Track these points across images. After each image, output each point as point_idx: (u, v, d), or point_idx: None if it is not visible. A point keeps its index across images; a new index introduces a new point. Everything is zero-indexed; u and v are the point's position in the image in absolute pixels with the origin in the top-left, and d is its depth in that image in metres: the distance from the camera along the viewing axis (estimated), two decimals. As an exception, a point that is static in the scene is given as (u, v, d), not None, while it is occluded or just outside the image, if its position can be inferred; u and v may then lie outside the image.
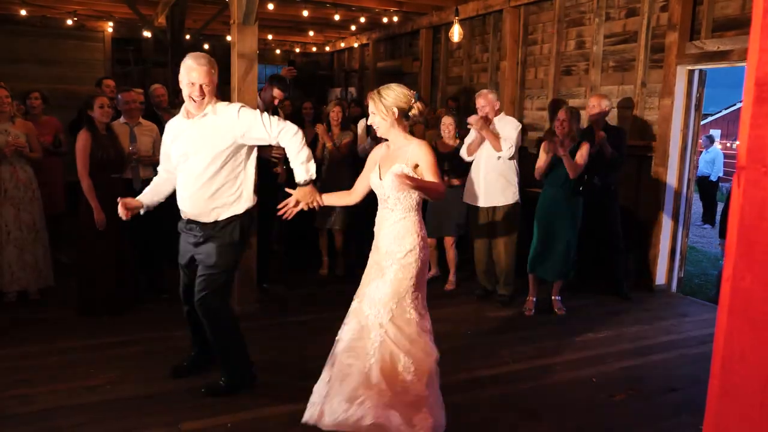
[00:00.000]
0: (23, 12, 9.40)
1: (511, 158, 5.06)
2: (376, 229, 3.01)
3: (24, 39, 10.20)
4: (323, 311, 4.83)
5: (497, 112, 5.17)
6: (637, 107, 5.93)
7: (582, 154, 4.78)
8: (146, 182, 4.93)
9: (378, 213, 2.99)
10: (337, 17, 9.20)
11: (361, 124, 5.96)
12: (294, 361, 3.91)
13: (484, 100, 5.10)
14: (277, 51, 12.92)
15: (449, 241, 5.62)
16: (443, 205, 5.38)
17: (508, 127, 5.09)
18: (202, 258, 3.33)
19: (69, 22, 10.19)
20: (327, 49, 13.28)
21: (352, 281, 5.69)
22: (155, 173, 5.21)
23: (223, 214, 3.28)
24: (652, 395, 3.63)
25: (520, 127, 5.19)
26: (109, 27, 10.83)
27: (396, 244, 2.90)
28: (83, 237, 4.60)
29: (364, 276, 3.03)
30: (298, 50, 13.31)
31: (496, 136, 4.99)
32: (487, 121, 4.98)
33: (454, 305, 5.24)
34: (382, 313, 2.87)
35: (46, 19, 10.16)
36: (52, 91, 6.06)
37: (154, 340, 4.23)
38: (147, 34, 10.15)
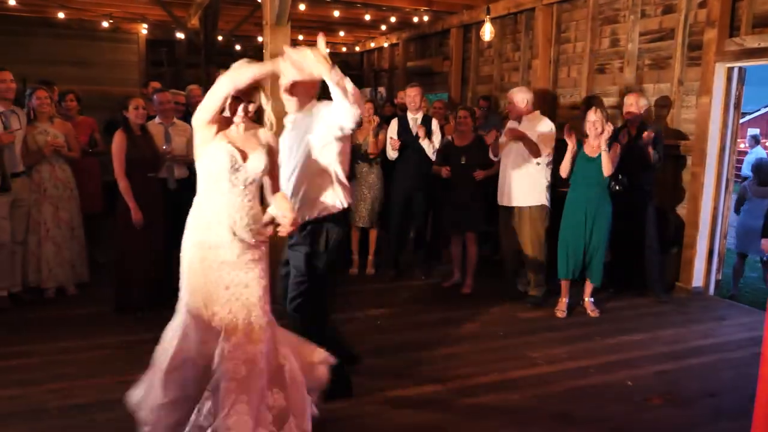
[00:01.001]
0: (61, 15, 9.63)
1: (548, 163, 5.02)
2: (224, 220, 2.66)
3: (61, 41, 10.45)
4: (353, 311, 4.83)
5: (530, 111, 5.11)
6: (673, 106, 5.80)
7: (615, 151, 4.72)
8: (180, 181, 5.05)
9: (223, 201, 2.66)
10: (367, 17, 9.21)
11: (392, 125, 5.87)
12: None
13: (512, 98, 5.08)
14: (308, 51, 12.98)
15: (471, 238, 5.50)
16: (465, 199, 5.32)
17: (541, 129, 5.02)
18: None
19: (105, 24, 10.41)
20: (357, 49, 13.31)
21: (383, 281, 5.75)
22: (189, 173, 5.28)
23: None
24: (690, 400, 3.54)
25: (553, 127, 5.11)
26: (143, 29, 11.02)
27: (258, 235, 2.72)
28: (120, 235, 4.68)
29: (203, 280, 2.68)
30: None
31: (533, 144, 4.92)
32: (517, 132, 4.93)
33: (484, 306, 5.18)
34: (246, 318, 2.66)
35: (83, 22, 10.40)
36: (88, 92, 6.18)
37: (187, 337, 4.27)
38: (180, 35, 10.30)
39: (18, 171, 4.72)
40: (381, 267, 6.04)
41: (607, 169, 4.65)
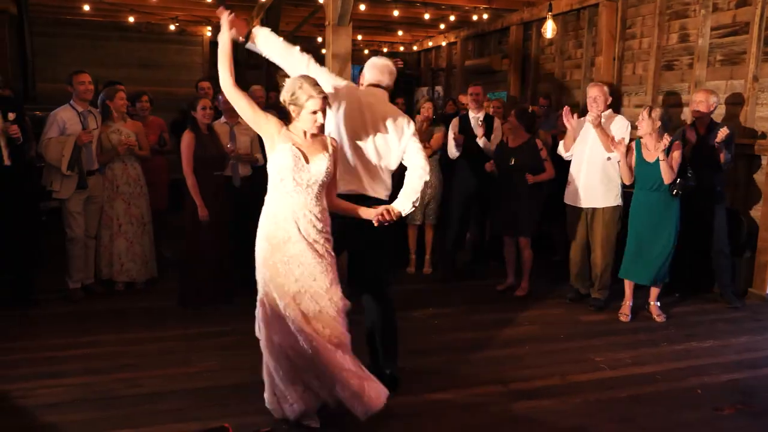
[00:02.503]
0: (131, 19, 10.01)
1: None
2: (297, 218, 2.86)
3: (130, 44, 10.87)
4: (410, 309, 4.82)
5: (605, 108, 4.96)
6: (747, 103, 5.54)
7: (674, 157, 4.54)
8: (245, 179, 5.16)
9: (287, 199, 2.86)
10: (427, 16, 9.19)
11: (454, 123, 5.81)
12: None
13: (598, 91, 4.90)
14: (365, 51, 13.06)
15: (525, 241, 5.37)
16: (514, 201, 5.21)
17: (617, 126, 4.88)
18: None
19: (171, 27, 10.76)
20: (414, 48, 13.29)
21: (440, 280, 5.72)
22: (253, 171, 5.38)
23: None
24: (766, 411, 3.37)
25: (629, 126, 4.95)
26: (207, 31, 11.33)
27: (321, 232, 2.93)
28: (187, 232, 4.82)
29: (274, 272, 2.89)
30: (385, 50, 13.41)
31: (608, 136, 4.78)
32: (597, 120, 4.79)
33: (544, 308, 5.09)
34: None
35: (151, 25, 10.78)
36: (155, 93, 6.41)
37: (248, 332, 4.34)
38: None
39: (93, 169, 4.94)
40: (438, 266, 6.02)
41: (667, 176, 4.50)
